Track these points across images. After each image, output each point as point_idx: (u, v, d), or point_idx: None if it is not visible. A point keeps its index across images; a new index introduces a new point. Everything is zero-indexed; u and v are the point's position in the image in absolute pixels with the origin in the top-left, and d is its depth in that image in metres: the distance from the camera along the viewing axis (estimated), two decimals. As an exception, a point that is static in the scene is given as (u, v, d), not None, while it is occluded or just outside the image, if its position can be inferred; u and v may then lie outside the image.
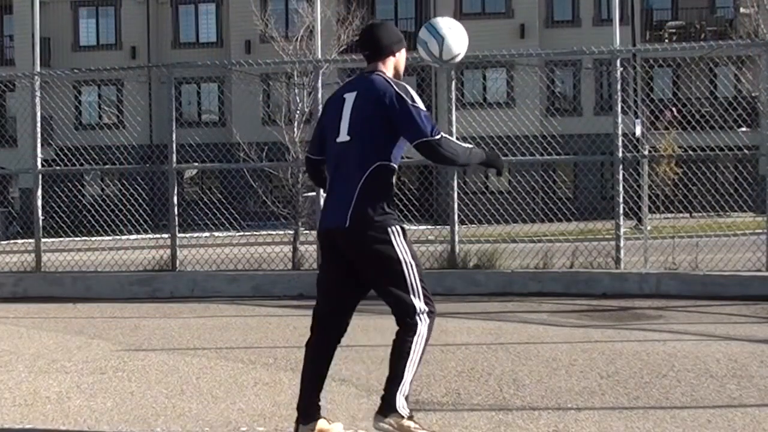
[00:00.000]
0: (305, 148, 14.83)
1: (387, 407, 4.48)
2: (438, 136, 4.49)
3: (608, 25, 12.46)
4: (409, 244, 4.60)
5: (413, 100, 4.54)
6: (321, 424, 4.69)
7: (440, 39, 4.79)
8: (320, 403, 4.69)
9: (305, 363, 4.73)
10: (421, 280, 4.57)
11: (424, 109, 4.57)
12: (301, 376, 4.72)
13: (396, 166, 4.65)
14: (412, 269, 4.56)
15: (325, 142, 4.77)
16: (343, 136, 4.62)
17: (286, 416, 5.16)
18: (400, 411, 4.45)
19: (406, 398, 4.50)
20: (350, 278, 4.63)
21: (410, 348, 4.48)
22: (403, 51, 4.82)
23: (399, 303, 4.53)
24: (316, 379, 4.70)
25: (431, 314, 4.56)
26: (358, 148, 4.56)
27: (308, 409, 4.65)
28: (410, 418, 4.49)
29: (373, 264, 4.54)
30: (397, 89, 4.57)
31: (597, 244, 11.34)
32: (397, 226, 4.57)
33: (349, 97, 4.66)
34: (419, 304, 4.53)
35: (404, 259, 4.54)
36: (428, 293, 4.59)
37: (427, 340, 4.54)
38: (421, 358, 4.52)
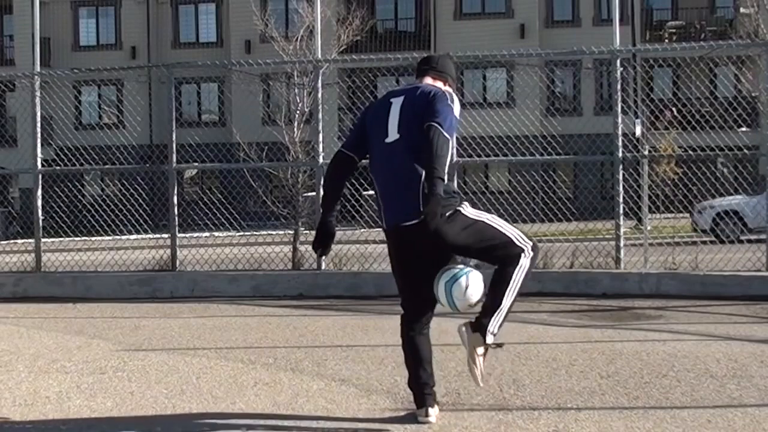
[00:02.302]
0: (305, 148, 14.91)
1: (478, 325, 4.59)
2: (447, 135, 4.53)
3: (608, 25, 12.45)
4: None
5: (452, 102, 4.69)
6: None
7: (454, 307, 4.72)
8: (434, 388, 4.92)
9: (409, 354, 4.88)
10: (508, 225, 4.70)
11: (457, 115, 4.68)
12: (408, 365, 4.90)
13: (454, 156, 4.76)
14: (494, 221, 4.71)
15: (365, 142, 4.88)
16: (393, 135, 4.73)
17: (286, 416, 5.16)
18: (486, 336, 4.57)
19: (500, 326, 4.61)
20: (425, 260, 4.74)
21: (512, 277, 4.61)
22: (452, 89, 4.94)
23: (505, 250, 4.62)
24: (423, 364, 4.85)
25: (535, 248, 4.71)
26: (409, 145, 4.65)
27: (424, 390, 4.84)
28: (487, 349, 4.61)
29: (458, 237, 4.62)
30: (443, 91, 4.76)
31: (597, 244, 11.33)
32: (465, 203, 4.72)
33: (397, 101, 4.80)
34: (521, 243, 4.65)
35: (479, 216, 4.70)
36: (522, 233, 4.71)
37: (527, 272, 4.65)
38: (519, 288, 4.65)
